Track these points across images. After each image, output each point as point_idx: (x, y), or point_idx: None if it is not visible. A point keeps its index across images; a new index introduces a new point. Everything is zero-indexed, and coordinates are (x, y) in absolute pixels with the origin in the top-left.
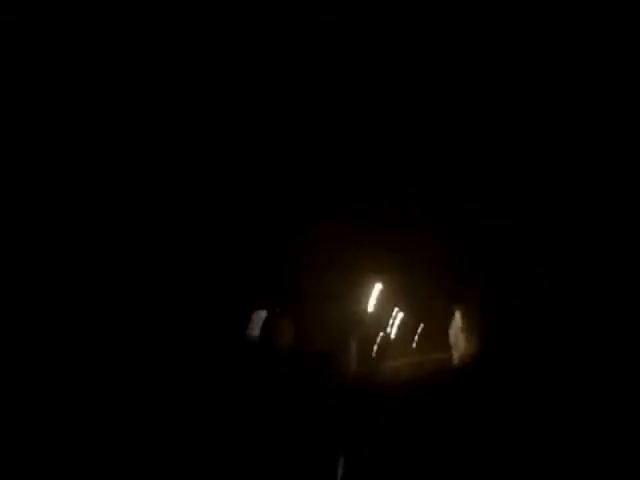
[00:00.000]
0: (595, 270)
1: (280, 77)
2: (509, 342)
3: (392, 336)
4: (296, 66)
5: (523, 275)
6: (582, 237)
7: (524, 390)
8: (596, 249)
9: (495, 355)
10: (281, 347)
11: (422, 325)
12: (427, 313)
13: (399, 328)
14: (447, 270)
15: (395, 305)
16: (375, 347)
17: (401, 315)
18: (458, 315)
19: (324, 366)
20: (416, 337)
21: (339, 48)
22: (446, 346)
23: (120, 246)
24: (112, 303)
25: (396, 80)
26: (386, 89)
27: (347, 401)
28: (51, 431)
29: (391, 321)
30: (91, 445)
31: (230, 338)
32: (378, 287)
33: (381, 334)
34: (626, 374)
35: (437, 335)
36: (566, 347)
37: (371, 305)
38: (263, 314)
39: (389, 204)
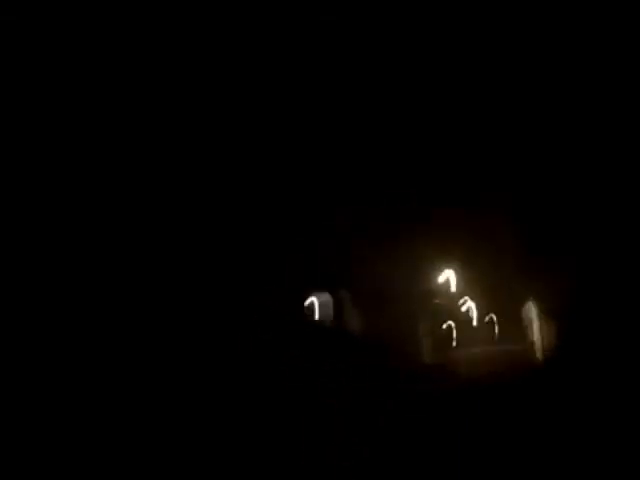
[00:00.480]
0: None
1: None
2: (590, 334)
3: (473, 323)
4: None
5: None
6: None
7: (604, 388)
8: None
9: (576, 349)
10: (350, 336)
11: (493, 315)
12: (498, 302)
13: (474, 318)
14: (518, 256)
15: (465, 294)
16: (451, 337)
17: (473, 305)
18: (531, 304)
19: (393, 360)
20: (496, 329)
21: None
22: (520, 337)
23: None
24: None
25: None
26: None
27: (420, 396)
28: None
29: (466, 310)
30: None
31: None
32: (447, 275)
33: (452, 324)
34: None
35: (510, 325)
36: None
37: (441, 294)
38: (325, 298)
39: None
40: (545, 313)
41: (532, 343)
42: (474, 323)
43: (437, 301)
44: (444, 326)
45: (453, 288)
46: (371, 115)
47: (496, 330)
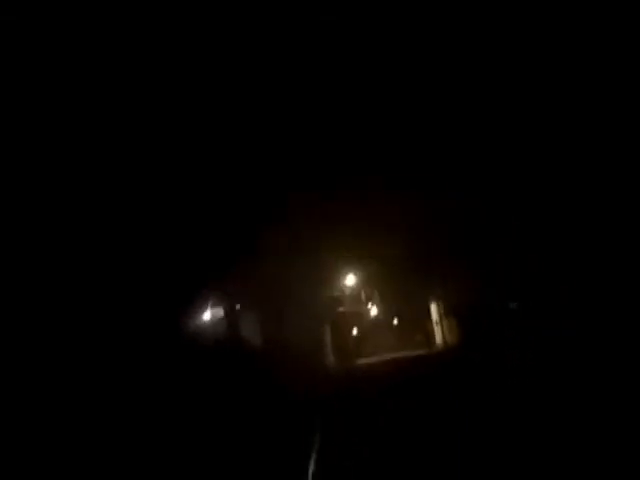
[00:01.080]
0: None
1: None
2: (489, 336)
3: (369, 328)
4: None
5: (507, 263)
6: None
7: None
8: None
9: (475, 351)
10: (245, 343)
11: (397, 318)
12: (403, 305)
13: (376, 320)
14: (426, 259)
15: (369, 297)
16: (353, 338)
17: (375, 308)
18: (434, 307)
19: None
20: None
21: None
22: (422, 339)
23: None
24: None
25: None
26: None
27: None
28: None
29: (370, 309)
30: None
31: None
32: (351, 277)
33: (355, 330)
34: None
35: (412, 328)
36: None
37: (345, 295)
38: (218, 312)
39: (363, 184)
40: (448, 313)
41: (439, 344)
42: (379, 326)
43: (341, 309)
44: (354, 333)
45: (359, 293)
46: None
47: (396, 333)
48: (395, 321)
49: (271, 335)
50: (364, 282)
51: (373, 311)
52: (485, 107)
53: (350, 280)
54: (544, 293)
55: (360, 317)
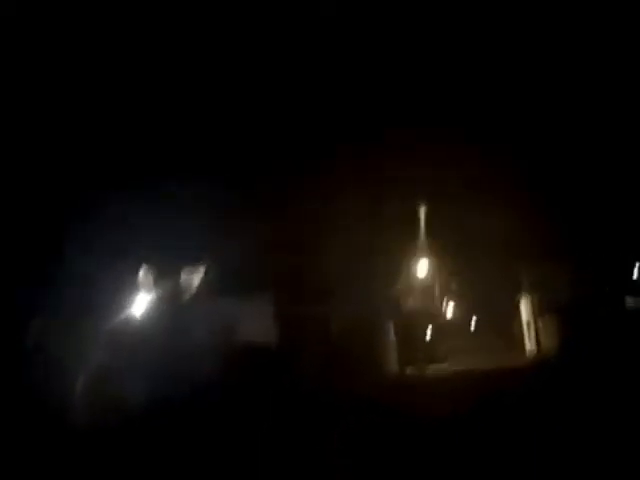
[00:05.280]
0: None
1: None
2: (598, 340)
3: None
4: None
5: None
6: None
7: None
8: None
9: (581, 358)
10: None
11: (475, 318)
12: (485, 303)
13: (451, 321)
14: (514, 251)
15: (445, 293)
16: (432, 348)
17: (451, 308)
18: (525, 304)
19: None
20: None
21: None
22: (510, 345)
23: None
24: None
25: None
26: None
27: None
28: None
29: (445, 309)
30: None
31: None
32: (423, 265)
33: (430, 332)
34: None
35: (498, 331)
36: None
37: (415, 288)
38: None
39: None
40: (547, 311)
41: (530, 352)
42: (455, 328)
43: (412, 303)
44: (428, 334)
45: (432, 286)
46: None
47: (476, 337)
48: (473, 323)
49: (300, 332)
50: (438, 274)
51: (449, 310)
52: None
53: (422, 269)
54: None
55: (433, 315)
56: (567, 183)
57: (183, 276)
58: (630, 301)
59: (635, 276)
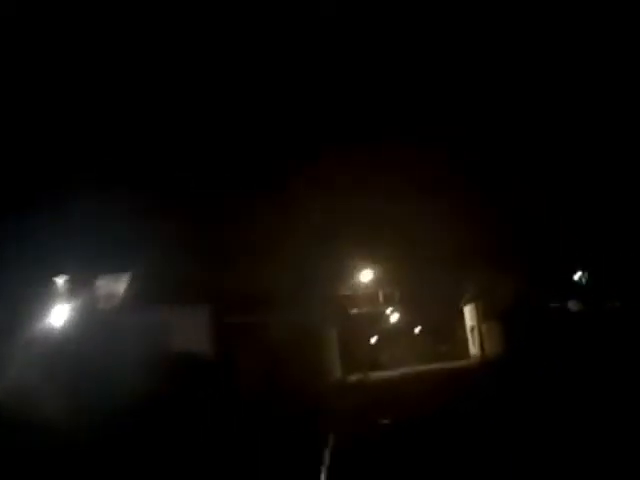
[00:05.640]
0: None
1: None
2: (535, 343)
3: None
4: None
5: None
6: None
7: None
8: None
9: (521, 360)
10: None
11: (420, 325)
12: (429, 308)
13: (396, 326)
14: (459, 252)
15: (389, 299)
16: (369, 347)
17: (396, 313)
18: (469, 311)
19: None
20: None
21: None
22: (451, 349)
23: None
24: None
25: None
26: None
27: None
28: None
29: (389, 314)
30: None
31: None
32: (367, 273)
33: (374, 338)
34: None
35: (442, 336)
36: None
37: (359, 294)
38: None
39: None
40: (491, 316)
41: (475, 356)
42: (399, 334)
43: (355, 310)
44: (372, 340)
45: (376, 292)
46: None
47: (420, 342)
48: (418, 328)
49: (241, 340)
50: (382, 280)
51: (393, 316)
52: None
53: (366, 276)
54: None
55: (377, 322)
56: (510, 193)
57: (106, 284)
58: (571, 304)
59: (576, 280)
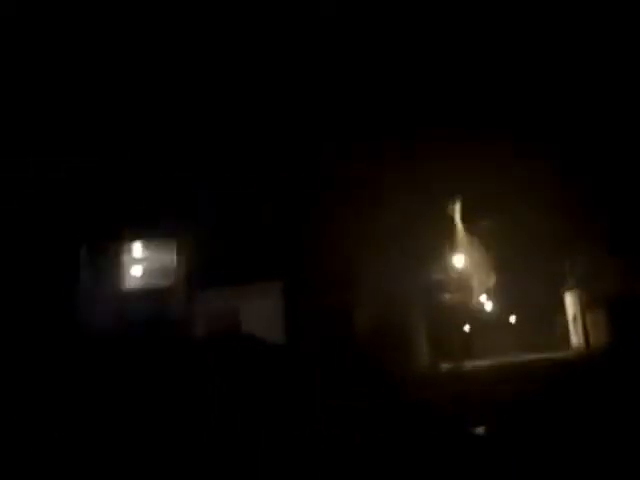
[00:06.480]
0: None
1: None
2: None
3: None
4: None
5: None
6: None
7: None
8: None
9: (634, 356)
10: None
11: (515, 314)
12: (526, 295)
13: (489, 314)
14: (560, 244)
15: (484, 286)
16: (469, 343)
17: (490, 302)
18: (571, 298)
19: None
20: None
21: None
22: (552, 340)
23: None
24: None
25: None
26: None
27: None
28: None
29: (484, 302)
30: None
31: None
32: (460, 258)
33: (468, 326)
34: None
35: (540, 324)
36: None
37: (452, 279)
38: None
39: None
40: (596, 305)
41: (576, 348)
42: (495, 321)
43: (448, 295)
44: (465, 329)
45: (468, 278)
46: None
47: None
48: (513, 316)
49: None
50: (477, 265)
51: (488, 303)
52: None
53: (460, 261)
54: None
55: (471, 308)
56: (616, 175)
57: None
58: None
59: None
